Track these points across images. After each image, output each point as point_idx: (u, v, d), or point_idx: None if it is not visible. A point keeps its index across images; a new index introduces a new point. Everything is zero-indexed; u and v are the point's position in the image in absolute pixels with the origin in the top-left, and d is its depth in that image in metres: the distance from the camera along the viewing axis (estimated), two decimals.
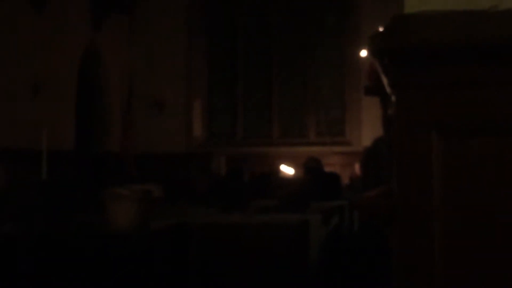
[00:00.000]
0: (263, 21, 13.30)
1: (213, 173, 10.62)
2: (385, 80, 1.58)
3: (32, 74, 9.77)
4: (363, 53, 10.61)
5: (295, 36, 13.13)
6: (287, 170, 11.05)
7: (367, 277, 4.86)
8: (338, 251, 5.05)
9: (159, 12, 12.89)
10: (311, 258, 4.27)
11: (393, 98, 1.52)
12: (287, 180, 10.19)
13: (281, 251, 4.03)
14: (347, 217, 5.97)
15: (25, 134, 9.34)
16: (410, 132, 1.46)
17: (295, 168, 10.88)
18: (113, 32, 12.12)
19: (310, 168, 6.96)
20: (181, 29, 13.04)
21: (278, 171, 11.02)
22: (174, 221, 3.93)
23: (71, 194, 3.77)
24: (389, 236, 1.49)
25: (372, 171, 5.63)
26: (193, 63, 13.17)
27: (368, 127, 12.25)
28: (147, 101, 12.92)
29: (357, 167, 10.79)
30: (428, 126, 1.45)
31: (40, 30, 9.95)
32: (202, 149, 12.74)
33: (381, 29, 1.51)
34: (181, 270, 3.72)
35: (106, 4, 11.74)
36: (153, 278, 3.54)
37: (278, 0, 13.20)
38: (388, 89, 1.60)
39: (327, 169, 10.48)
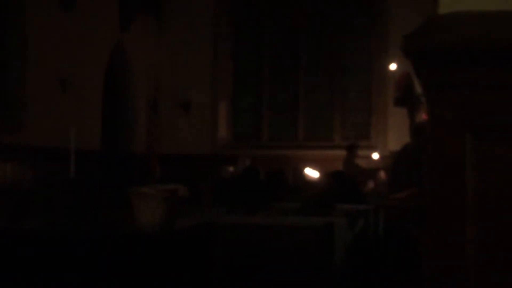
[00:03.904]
0: (290, 23, 13.28)
1: (221, 175, 10.62)
2: (418, 82, 1.57)
3: (60, 73, 9.85)
4: (392, 66, 10.54)
5: (322, 38, 13.11)
6: (311, 173, 11.02)
7: (392, 280, 4.84)
8: (363, 254, 5.02)
9: (186, 13, 12.95)
10: (337, 261, 4.25)
11: (426, 99, 1.50)
12: (311, 183, 10.18)
13: (306, 253, 4.02)
14: (372, 221, 5.94)
15: (53, 132, 9.41)
16: (444, 133, 1.44)
17: (319, 171, 10.86)
18: (140, 33, 12.19)
19: (335, 174, 6.92)
20: (208, 30, 13.08)
21: (294, 171, 11.00)
22: (199, 221, 3.93)
23: (98, 192, 3.79)
24: (419, 237, 1.47)
25: (401, 175, 5.61)
26: (219, 64, 13.20)
27: (393, 131, 12.18)
28: (173, 102, 12.97)
29: (382, 172, 10.74)
30: (462, 127, 1.43)
31: (69, 29, 10.03)
32: (227, 150, 12.75)
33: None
34: (205, 269, 3.72)
35: (134, 4, 11.81)
36: (176, 277, 3.54)
37: (305, 2, 13.17)
38: (421, 91, 1.58)
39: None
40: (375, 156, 11.81)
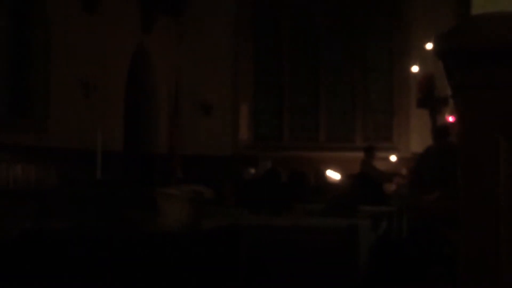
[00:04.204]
0: (310, 24, 13.27)
1: (242, 177, 10.61)
2: (449, 82, 1.57)
3: (83, 75, 9.92)
4: (414, 68, 10.50)
5: (343, 39, 13.08)
6: (333, 175, 11.00)
7: (416, 281, 4.83)
8: (387, 256, 5.02)
9: (207, 16, 12.98)
10: (361, 262, 4.24)
11: (458, 100, 1.50)
12: (333, 184, 10.16)
13: (331, 254, 4.02)
14: (396, 223, 5.93)
15: (76, 134, 9.50)
16: (475, 135, 1.44)
17: (341, 173, 10.83)
18: (162, 35, 12.25)
19: (358, 176, 6.92)
20: (229, 33, 13.10)
21: (315, 173, 10.98)
22: (224, 222, 3.95)
23: (124, 193, 3.82)
24: (451, 238, 1.48)
25: (424, 177, 5.61)
26: (240, 66, 13.22)
27: (416, 133, 12.12)
28: (194, 104, 13.01)
29: (403, 174, 10.69)
30: (494, 128, 1.43)
31: (92, 32, 10.10)
32: (248, 152, 12.75)
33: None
34: (231, 269, 3.73)
35: (156, 7, 11.87)
36: (202, 278, 3.56)
37: (326, 3, 13.15)
38: (450, 92, 1.58)
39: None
40: (393, 158, 11.78)
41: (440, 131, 7.06)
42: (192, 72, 12.97)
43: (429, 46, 9.93)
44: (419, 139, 11.82)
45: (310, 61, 13.23)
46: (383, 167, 11.52)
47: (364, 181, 6.20)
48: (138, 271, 3.48)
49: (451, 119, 9.68)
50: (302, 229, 4.22)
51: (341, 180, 10.53)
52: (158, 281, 3.45)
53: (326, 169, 11.11)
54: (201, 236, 3.55)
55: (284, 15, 13.33)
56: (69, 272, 3.61)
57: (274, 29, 13.40)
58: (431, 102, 9.88)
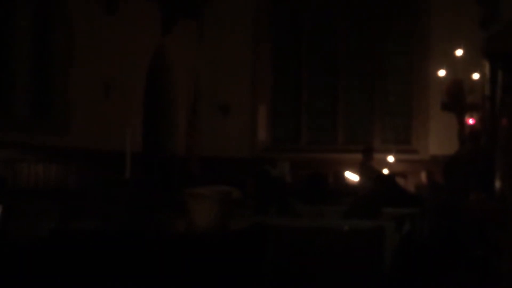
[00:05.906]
0: (329, 26, 13.27)
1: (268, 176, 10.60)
2: (493, 83, 1.58)
3: (104, 76, 9.97)
4: (441, 72, 10.48)
5: (362, 41, 13.07)
6: (351, 176, 11.01)
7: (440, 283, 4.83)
8: (410, 257, 5.03)
9: (226, 17, 13.02)
10: (386, 263, 4.26)
11: (504, 101, 1.51)
12: (351, 186, 10.17)
13: (356, 255, 4.04)
14: (418, 224, 5.93)
15: (97, 134, 9.55)
16: None
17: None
18: (181, 37, 12.29)
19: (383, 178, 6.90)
20: (248, 34, 13.14)
21: (334, 175, 11.00)
22: (251, 223, 3.97)
23: (152, 193, 3.85)
24: (499, 239, 1.48)
25: (457, 179, 5.61)
26: (259, 68, 13.24)
27: (434, 135, 12.10)
28: (212, 105, 13.05)
29: (423, 176, 10.70)
30: None
31: (112, 33, 10.16)
32: (266, 153, 12.77)
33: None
34: (257, 270, 3.76)
35: (176, 9, 11.93)
36: (229, 277, 3.59)
37: (344, 6, 13.16)
38: (500, 93, 1.60)
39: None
40: (391, 159, 11.80)
41: (473, 134, 7.10)
42: (210, 73, 13.01)
43: (459, 52, 9.93)
44: (438, 141, 11.81)
45: (329, 63, 13.22)
46: (401, 169, 11.53)
47: (389, 182, 6.20)
48: (166, 271, 3.51)
49: (471, 121, 9.66)
50: (327, 230, 4.24)
51: (359, 182, 10.54)
52: (186, 281, 3.47)
53: (344, 171, 11.11)
54: (229, 236, 3.57)
55: (303, 17, 13.34)
56: (98, 272, 3.64)
57: (293, 30, 13.41)
58: (459, 106, 9.87)
